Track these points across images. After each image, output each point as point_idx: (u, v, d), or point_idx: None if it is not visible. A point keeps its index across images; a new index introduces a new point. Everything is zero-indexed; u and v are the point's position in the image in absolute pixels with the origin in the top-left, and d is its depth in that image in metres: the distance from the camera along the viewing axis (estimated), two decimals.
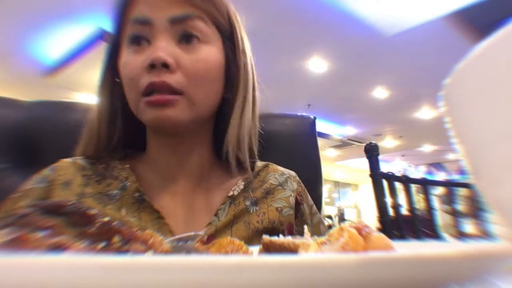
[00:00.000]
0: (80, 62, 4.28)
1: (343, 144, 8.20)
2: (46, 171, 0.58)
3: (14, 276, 0.13)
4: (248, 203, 0.60)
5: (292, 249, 0.29)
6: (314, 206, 0.69)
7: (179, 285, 0.13)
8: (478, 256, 0.17)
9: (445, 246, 0.37)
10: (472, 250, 0.17)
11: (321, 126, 6.81)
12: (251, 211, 0.59)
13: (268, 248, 0.31)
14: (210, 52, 0.56)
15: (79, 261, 0.13)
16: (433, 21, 3.69)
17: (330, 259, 0.15)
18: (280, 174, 0.67)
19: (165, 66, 0.50)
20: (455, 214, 1.74)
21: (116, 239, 0.22)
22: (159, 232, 0.49)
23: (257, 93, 0.64)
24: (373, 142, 1.25)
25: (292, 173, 0.69)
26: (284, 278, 0.14)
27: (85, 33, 3.79)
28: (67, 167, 0.59)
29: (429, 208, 1.50)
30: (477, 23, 3.72)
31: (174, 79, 0.51)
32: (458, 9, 3.49)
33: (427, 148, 8.96)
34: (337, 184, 11.90)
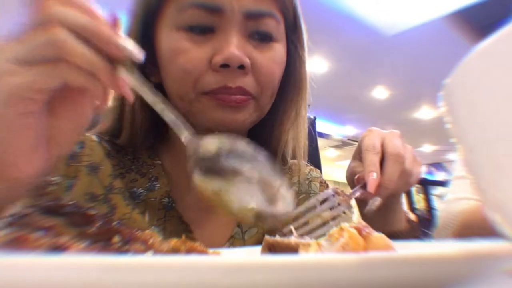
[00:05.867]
0: None
1: (343, 144, 8.19)
2: (75, 147, 0.50)
3: (14, 276, 0.13)
4: None
5: (295, 248, 0.29)
6: None
7: (179, 285, 0.13)
8: (478, 256, 0.17)
9: (445, 246, 0.37)
10: (472, 250, 0.17)
11: (321, 126, 6.80)
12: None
13: (271, 249, 0.31)
14: (282, 51, 0.50)
15: (79, 261, 0.13)
16: (433, 21, 3.68)
17: (330, 259, 0.15)
18: (304, 179, 0.63)
19: (241, 67, 0.44)
20: None
21: (116, 239, 0.22)
22: None
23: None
24: None
25: (315, 173, 0.66)
26: (284, 278, 0.14)
27: None
28: (94, 147, 0.51)
29: (429, 208, 1.50)
30: (477, 23, 3.72)
31: (248, 83, 0.45)
32: (458, 9, 3.49)
33: (427, 148, 8.95)
34: (337, 184, 11.90)
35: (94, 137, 0.53)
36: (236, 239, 0.52)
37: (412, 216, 0.52)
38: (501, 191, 0.14)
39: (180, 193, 0.52)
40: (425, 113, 6.40)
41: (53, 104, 0.30)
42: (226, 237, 0.52)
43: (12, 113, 0.28)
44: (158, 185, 0.51)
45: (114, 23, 0.30)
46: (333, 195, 0.43)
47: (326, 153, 9.05)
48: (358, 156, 0.48)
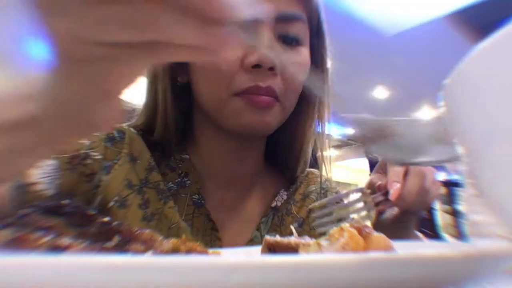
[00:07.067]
0: None
1: (343, 144, 8.18)
2: (114, 133, 0.51)
3: (14, 276, 0.13)
4: (296, 225, 0.57)
5: (295, 248, 0.29)
6: None
7: (179, 285, 0.13)
8: (478, 256, 0.17)
9: (445, 246, 0.37)
10: (472, 250, 0.17)
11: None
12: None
13: (270, 249, 0.31)
14: (307, 56, 0.51)
15: (79, 261, 0.13)
16: (433, 21, 3.68)
17: (330, 259, 0.15)
18: (320, 188, 0.64)
19: (271, 68, 0.45)
20: (455, 214, 1.74)
21: (116, 239, 0.22)
22: (209, 245, 0.47)
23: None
24: None
25: (331, 184, 0.67)
26: (284, 278, 0.14)
27: None
28: (135, 139, 0.52)
29: (429, 208, 1.50)
30: (477, 23, 3.72)
31: (277, 84, 0.46)
32: (459, 9, 3.49)
33: None
34: (337, 184, 11.86)
35: (132, 130, 0.53)
36: (255, 243, 0.53)
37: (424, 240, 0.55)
38: (501, 191, 0.14)
39: (207, 192, 0.53)
40: (425, 113, 6.40)
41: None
42: (246, 240, 0.53)
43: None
44: (188, 181, 0.52)
45: None
46: (362, 194, 0.46)
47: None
48: (381, 170, 0.51)
